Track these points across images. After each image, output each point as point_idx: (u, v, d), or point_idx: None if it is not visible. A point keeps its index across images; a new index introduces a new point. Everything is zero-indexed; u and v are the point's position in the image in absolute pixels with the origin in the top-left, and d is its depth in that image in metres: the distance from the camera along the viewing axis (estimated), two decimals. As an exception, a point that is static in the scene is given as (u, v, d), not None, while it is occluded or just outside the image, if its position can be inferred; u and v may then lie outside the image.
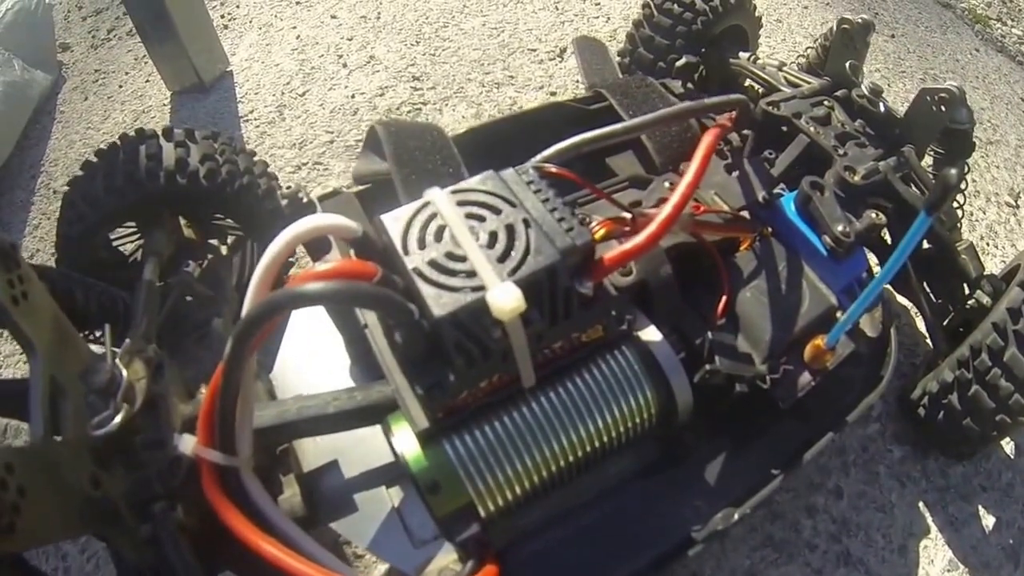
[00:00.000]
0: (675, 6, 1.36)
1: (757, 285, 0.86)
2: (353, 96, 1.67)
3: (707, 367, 0.76)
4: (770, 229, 0.93)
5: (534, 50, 1.81)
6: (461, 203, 0.61)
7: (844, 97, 1.15)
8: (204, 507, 0.63)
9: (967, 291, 1.10)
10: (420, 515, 0.72)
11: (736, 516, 0.78)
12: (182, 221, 1.12)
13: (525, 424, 0.66)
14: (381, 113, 1.62)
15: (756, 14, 1.46)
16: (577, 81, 1.73)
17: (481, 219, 0.59)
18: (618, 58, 1.44)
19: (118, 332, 0.86)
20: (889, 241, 1.12)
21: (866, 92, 1.14)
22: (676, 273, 0.80)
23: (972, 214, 1.66)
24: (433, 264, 0.57)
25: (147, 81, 1.85)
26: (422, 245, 0.58)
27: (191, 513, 0.66)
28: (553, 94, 1.66)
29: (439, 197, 0.61)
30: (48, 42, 1.95)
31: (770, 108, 1.06)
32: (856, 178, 0.96)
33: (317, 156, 1.54)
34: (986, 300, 1.07)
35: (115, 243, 1.10)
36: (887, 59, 2.13)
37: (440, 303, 0.54)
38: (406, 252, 0.58)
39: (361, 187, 0.94)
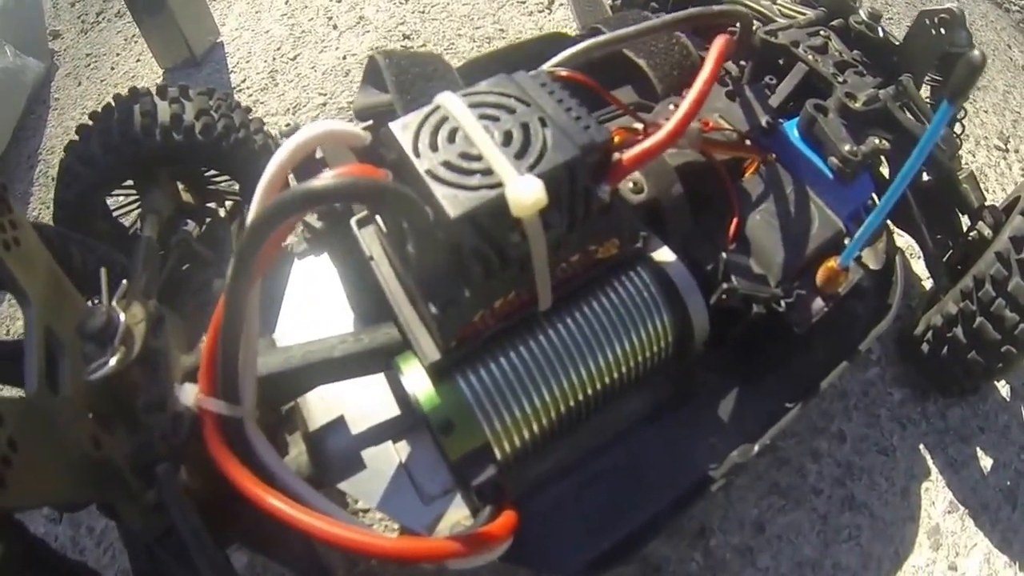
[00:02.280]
0: None
1: (766, 208, 0.81)
2: (344, 57, 1.61)
3: (724, 286, 0.71)
4: (775, 155, 0.88)
5: (523, 2, 1.75)
6: (474, 105, 0.56)
7: (841, 27, 1.10)
8: (208, 466, 0.57)
9: (967, 224, 1.06)
10: (429, 470, 0.68)
11: (756, 448, 0.75)
12: (180, 186, 1.08)
13: (542, 354, 0.62)
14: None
15: None
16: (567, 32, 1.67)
17: (495, 119, 0.55)
18: (610, 1, 1.37)
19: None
20: (888, 175, 1.06)
21: (864, 18, 1.10)
22: (686, 194, 0.76)
23: (962, 157, 1.59)
24: (447, 165, 0.52)
25: (138, 61, 1.79)
26: (434, 148, 0.53)
27: (196, 474, 0.62)
28: (545, 48, 1.60)
29: (450, 100, 0.56)
30: (39, 30, 1.89)
31: (768, 37, 1.01)
32: (857, 104, 0.92)
33: (311, 120, 1.48)
34: (987, 232, 1.02)
35: (114, 213, 1.07)
36: (873, 3, 2.05)
37: (456, 203, 0.49)
38: (417, 155, 0.53)
39: (363, 124, 0.89)
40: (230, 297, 0.52)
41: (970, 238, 1.05)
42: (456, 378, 0.60)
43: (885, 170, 1.05)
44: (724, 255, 0.73)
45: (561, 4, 1.74)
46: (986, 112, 1.80)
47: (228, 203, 1.14)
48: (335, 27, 1.71)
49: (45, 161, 1.61)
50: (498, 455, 0.62)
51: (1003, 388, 1.17)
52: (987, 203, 1.06)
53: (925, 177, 1.06)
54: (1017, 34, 2.24)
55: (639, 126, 0.68)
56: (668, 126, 0.60)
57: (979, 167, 1.61)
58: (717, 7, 0.81)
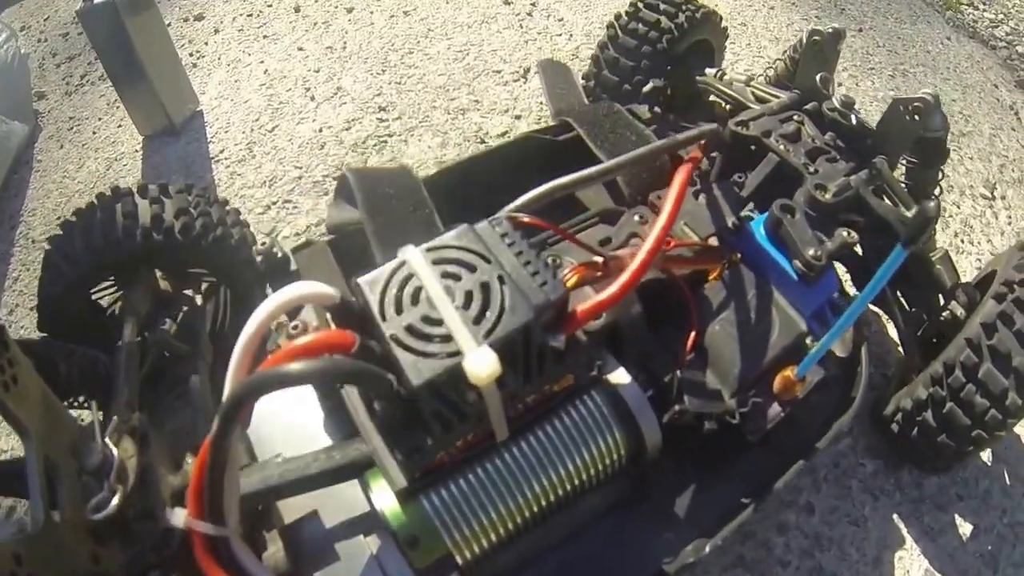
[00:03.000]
0: (640, 26, 1.31)
1: (726, 317, 0.83)
2: (321, 130, 1.62)
3: (676, 408, 0.74)
4: (739, 255, 0.89)
5: (499, 71, 1.77)
6: (437, 261, 0.57)
7: (814, 110, 1.11)
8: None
9: (941, 301, 1.06)
10: (399, 562, 0.70)
11: (707, 548, 0.76)
12: (158, 273, 1.09)
13: (499, 474, 0.66)
14: (347, 147, 1.57)
15: (722, 25, 1.42)
16: (541, 103, 1.68)
17: (457, 277, 0.56)
18: (583, 81, 1.40)
19: (101, 394, 0.92)
20: (860, 252, 1.08)
21: (838, 105, 1.11)
22: (646, 309, 0.78)
23: (946, 209, 1.62)
24: (410, 329, 0.54)
25: (119, 126, 1.79)
26: (399, 309, 0.55)
27: None
28: (518, 117, 1.61)
29: (414, 257, 0.57)
30: (24, 92, 1.89)
31: (739, 128, 1.03)
32: (827, 196, 0.93)
33: (286, 194, 1.49)
34: (960, 312, 1.03)
35: (95, 296, 1.07)
36: (855, 55, 2.08)
37: (417, 371, 0.52)
38: (384, 318, 0.55)
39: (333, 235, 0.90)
40: (214, 447, 0.55)
41: (943, 317, 1.05)
42: (420, 497, 0.65)
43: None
44: (678, 373, 0.75)
45: (536, 73, 1.76)
46: (971, 159, 1.81)
47: (204, 286, 1.15)
48: (312, 98, 1.72)
49: (26, 223, 1.61)
50: (460, 561, 0.67)
51: (984, 454, 1.16)
52: (961, 281, 1.07)
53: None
54: (1004, 72, 2.25)
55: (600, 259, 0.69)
56: (622, 278, 0.61)
57: (964, 218, 1.61)
58: (684, 135, 0.82)
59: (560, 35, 1.94)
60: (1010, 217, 1.66)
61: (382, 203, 0.78)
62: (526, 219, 0.64)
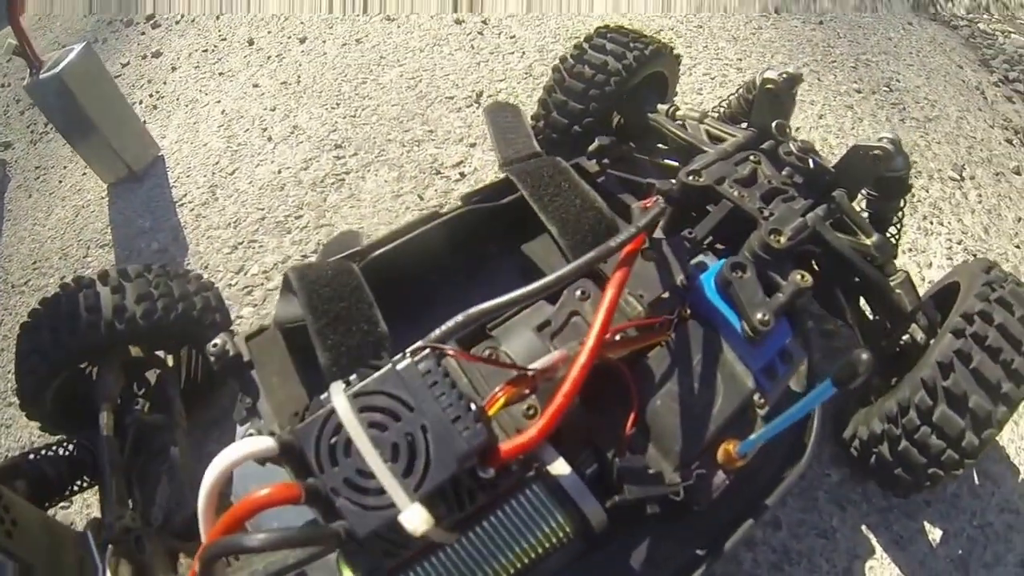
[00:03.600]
0: (586, 69, 1.28)
1: (668, 390, 0.81)
2: (280, 171, 1.61)
3: (616, 497, 0.73)
4: (688, 311, 0.88)
5: (451, 98, 1.75)
6: (363, 408, 0.59)
7: (771, 149, 1.08)
8: None
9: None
10: None
11: None
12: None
13: (445, 568, 0.67)
14: (306, 187, 1.57)
15: (674, 54, 1.39)
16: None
17: (383, 427, 0.58)
18: (532, 121, 1.35)
19: (92, 475, 0.99)
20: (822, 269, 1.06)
21: (795, 151, 1.07)
22: (587, 390, 0.78)
23: (915, 195, 1.60)
24: (347, 482, 0.56)
25: (84, 174, 1.80)
26: (334, 462, 0.57)
27: None
28: (472, 145, 1.60)
29: (341, 407, 0.59)
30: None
31: (691, 180, 1.00)
32: (782, 240, 0.91)
33: (251, 234, 1.50)
34: (920, 336, 1.02)
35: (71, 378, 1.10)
36: (815, 50, 2.05)
37: (361, 522, 0.55)
38: (322, 470, 0.57)
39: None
40: None
41: (903, 341, 1.04)
42: None
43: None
44: (617, 460, 0.75)
45: (491, 96, 1.75)
46: (939, 143, 1.80)
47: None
48: (270, 139, 1.71)
49: (4, 268, 1.67)
50: None
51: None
52: (921, 300, 1.04)
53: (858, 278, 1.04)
54: (967, 51, 2.23)
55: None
56: (540, 422, 0.62)
57: (933, 201, 1.61)
58: (618, 240, 0.78)
59: (512, 53, 1.92)
60: (980, 196, 1.66)
61: (324, 303, 0.80)
62: (450, 351, 0.65)
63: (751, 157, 1.06)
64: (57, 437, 1.04)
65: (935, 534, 1.09)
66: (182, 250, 1.52)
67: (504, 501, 0.69)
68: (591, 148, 1.15)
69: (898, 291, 1.03)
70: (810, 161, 1.06)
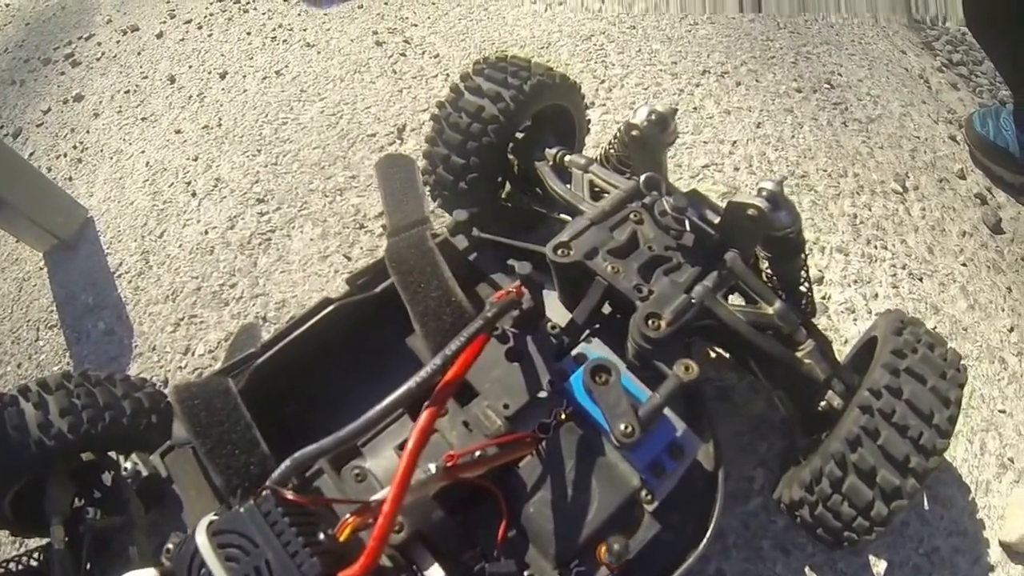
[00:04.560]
0: (462, 118, 1.26)
1: (542, 496, 0.89)
2: (207, 232, 1.75)
3: None
4: (564, 414, 0.92)
5: (373, 135, 1.88)
6: (221, 544, 0.75)
7: (652, 205, 1.07)
8: None
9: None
10: None
11: None
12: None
13: None
14: (235, 249, 1.70)
15: (569, 82, 1.36)
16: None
17: (237, 560, 0.75)
18: (424, 176, 1.36)
19: None
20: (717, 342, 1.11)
21: (669, 210, 1.04)
22: (451, 503, 0.88)
23: (856, 215, 1.68)
24: None
25: (17, 242, 1.92)
26: None
27: None
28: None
29: (203, 544, 0.76)
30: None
31: (559, 255, 1.00)
32: (662, 325, 0.93)
33: (190, 308, 1.63)
34: (837, 403, 1.05)
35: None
36: (754, 44, 2.13)
37: None
38: None
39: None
40: None
41: (820, 408, 1.07)
42: None
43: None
44: (488, 567, 0.84)
45: (414, 130, 1.88)
46: (881, 148, 1.86)
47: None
48: (194, 194, 1.84)
49: None
50: None
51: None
52: (833, 369, 1.04)
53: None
54: (911, 34, 2.29)
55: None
56: (361, 561, 0.73)
57: (876, 221, 1.68)
58: (454, 347, 0.83)
59: (436, 76, 2.04)
60: (923, 209, 1.73)
61: (206, 427, 0.95)
62: (289, 496, 0.81)
63: (632, 216, 1.07)
64: (26, 540, 1.14)
65: (880, 567, 1.17)
66: (127, 331, 1.64)
67: None
68: (448, 225, 1.17)
69: (808, 362, 1.03)
70: (686, 223, 1.05)
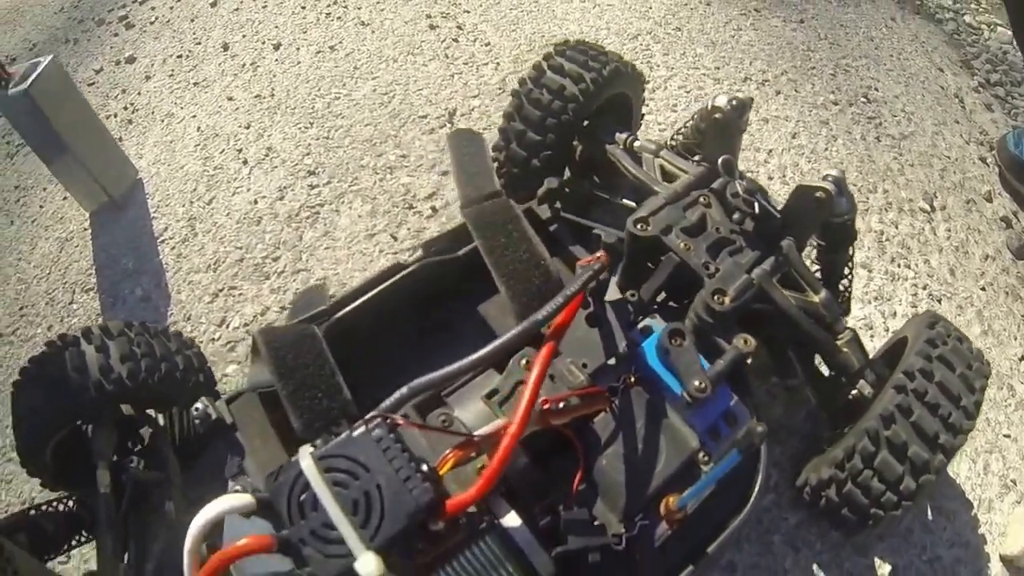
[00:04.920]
0: (544, 95, 1.34)
1: (614, 451, 0.97)
2: (256, 201, 1.81)
3: (559, 549, 0.90)
4: (633, 378, 1.01)
5: (424, 117, 1.94)
6: (328, 469, 0.81)
7: (721, 188, 1.17)
8: None
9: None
10: None
11: None
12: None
13: None
14: (282, 221, 1.76)
15: (637, 73, 1.46)
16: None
17: (345, 486, 0.80)
18: (494, 153, 1.45)
19: (90, 531, 1.11)
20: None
21: (741, 192, 1.14)
22: (536, 449, 0.95)
23: (883, 231, 1.75)
24: (313, 533, 0.77)
25: (65, 199, 1.96)
26: (303, 514, 0.79)
27: None
28: (444, 173, 1.79)
29: (309, 467, 0.82)
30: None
31: (638, 230, 1.09)
32: (725, 302, 1.02)
33: (230, 279, 1.67)
34: (868, 391, 1.15)
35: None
36: (795, 54, 2.20)
37: (323, 569, 0.74)
38: (292, 523, 0.79)
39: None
40: None
41: (851, 396, 1.17)
42: None
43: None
44: (563, 513, 0.92)
45: (464, 115, 1.95)
46: (912, 166, 1.93)
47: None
48: (245, 162, 1.90)
49: None
50: None
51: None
52: (870, 359, 1.15)
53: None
54: (950, 51, 2.36)
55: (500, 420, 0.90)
56: (481, 480, 0.82)
57: (902, 239, 1.75)
58: (543, 314, 0.90)
59: (487, 64, 2.11)
60: (949, 230, 1.80)
61: (290, 370, 0.99)
62: (400, 421, 0.88)
63: (701, 199, 1.16)
64: (57, 493, 1.16)
65: (884, 569, 1.24)
66: (164, 298, 1.67)
67: (460, 551, 0.87)
68: (540, 192, 1.27)
69: (845, 350, 1.14)
70: (756, 204, 1.14)
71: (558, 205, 1.28)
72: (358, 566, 0.74)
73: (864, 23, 2.37)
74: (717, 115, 1.17)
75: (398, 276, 1.18)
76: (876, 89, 2.15)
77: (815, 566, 1.23)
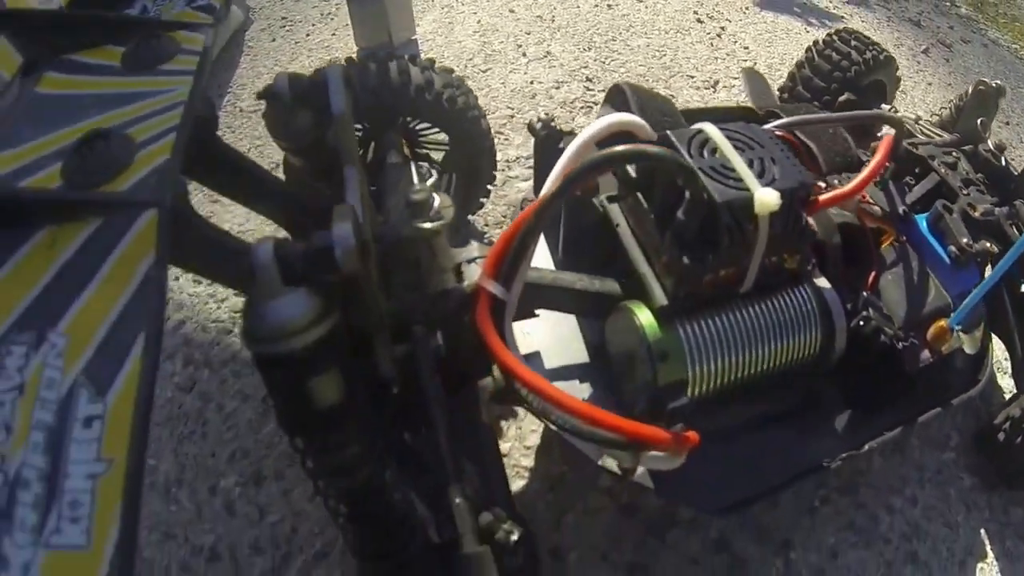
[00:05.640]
0: (833, 54, 1.64)
1: (895, 272, 1.13)
2: (532, 82, 1.96)
3: (863, 313, 1.00)
4: (904, 238, 1.19)
5: (691, 77, 2.11)
6: (727, 136, 0.89)
7: (970, 152, 1.39)
8: (463, 339, 0.80)
9: None
10: (608, 407, 0.84)
11: (866, 447, 1.01)
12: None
13: (732, 327, 0.89)
14: (557, 103, 1.90)
15: (896, 72, 1.73)
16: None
17: (742, 149, 0.88)
18: (777, 93, 1.72)
19: None
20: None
21: (991, 147, 1.39)
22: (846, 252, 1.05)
23: None
24: (711, 168, 0.83)
25: (333, 34, 2.14)
26: (701, 155, 0.86)
27: (450, 342, 0.83)
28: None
29: (710, 128, 0.89)
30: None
31: (911, 148, 1.33)
32: (976, 214, 1.20)
33: (498, 126, 1.79)
34: None
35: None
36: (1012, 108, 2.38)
37: (721, 193, 0.80)
38: (691, 156, 0.85)
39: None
40: (537, 215, 0.79)
41: None
42: (675, 323, 0.88)
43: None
44: (865, 294, 1.03)
45: (724, 86, 2.11)
46: None
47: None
48: (524, 55, 2.07)
49: (234, 94, 1.96)
50: (689, 394, 0.88)
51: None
52: None
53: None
54: None
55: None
56: (853, 183, 0.93)
57: None
58: (881, 112, 1.13)
59: (745, 61, 2.29)
60: None
61: (651, 115, 1.07)
62: (780, 133, 0.96)
63: (954, 153, 1.37)
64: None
65: None
66: None
67: (784, 290, 0.95)
68: (841, 100, 1.55)
69: None
70: (1003, 159, 1.36)
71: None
72: (760, 193, 0.80)
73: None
74: (982, 87, 1.43)
75: (721, 105, 1.30)
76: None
77: (983, 531, 1.28)
